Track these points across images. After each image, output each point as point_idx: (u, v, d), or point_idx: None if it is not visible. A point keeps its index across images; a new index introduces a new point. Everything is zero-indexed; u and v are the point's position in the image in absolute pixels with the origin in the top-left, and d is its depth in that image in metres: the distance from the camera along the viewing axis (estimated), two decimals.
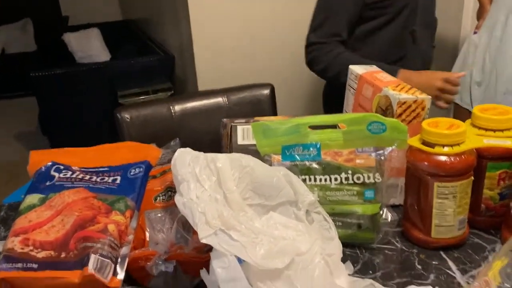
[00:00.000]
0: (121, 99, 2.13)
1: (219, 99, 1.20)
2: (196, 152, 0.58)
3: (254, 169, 0.60)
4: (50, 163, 0.71)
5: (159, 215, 0.61)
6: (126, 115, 1.11)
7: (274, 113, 1.25)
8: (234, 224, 0.52)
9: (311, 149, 0.64)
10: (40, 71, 2.16)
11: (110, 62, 2.73)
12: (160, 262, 0.55)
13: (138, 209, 0.65)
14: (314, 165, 0.64)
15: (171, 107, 1.15)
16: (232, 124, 0.69)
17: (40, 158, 0.73)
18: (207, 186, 0.56)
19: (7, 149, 2.66)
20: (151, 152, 0.75)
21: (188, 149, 0.60)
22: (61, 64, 2.63)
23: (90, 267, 0.55)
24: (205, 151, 0.59)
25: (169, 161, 0.71)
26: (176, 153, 0.59)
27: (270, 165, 0.65)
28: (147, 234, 0.60)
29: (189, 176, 0.55)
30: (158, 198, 0.63)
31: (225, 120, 0.90)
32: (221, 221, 0.51)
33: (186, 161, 0.57)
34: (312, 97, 1.94)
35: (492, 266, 0.39)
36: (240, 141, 0.68)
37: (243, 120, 0.71)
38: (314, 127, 0.65)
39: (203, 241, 0.49)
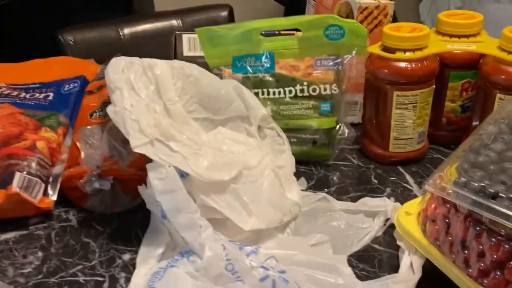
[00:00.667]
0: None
1: (173, 22, 1.11)
2: (131, 58, 0.52)
3: (200, 79, 0.55)
4: None
5: (94, 128, 0.55)
6: (70, 38, 1.01)
7: None
8: (174, 135, 0.47)
9: (264, 59, 0.59)
10: None
11: None
12: (94, 179, 0.50)
13: (73, 127, 0.58)
14: (268, 77, 0.59)
15: (119, 29, 1.06)
16: (177, 32, 0.62)
17: None
18: (143, 95, 0.50)
19: None
20: (88, 67, 0.68)
21: (123, 56, 0.53)
22: None
23: (15, 186, 0.49)
24: None
25: None
26: (110, 61, 0.53)
27: (221, 78, 0.60)
28: (82, 152, 0.55)
29: (122, 83, 0.49)
30: (94, 114, 0.57)
31: (175, 33, 0.82)
32: (158, 131, 0.46)
33: (119, 67, 0.50)
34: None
35: (446, 165, 0.36)
36: (186, 52, 0.62)
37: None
38: (267, 34, 0.59)
39: (136, 150, 0.44)
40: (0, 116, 0.56)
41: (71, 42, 1.01)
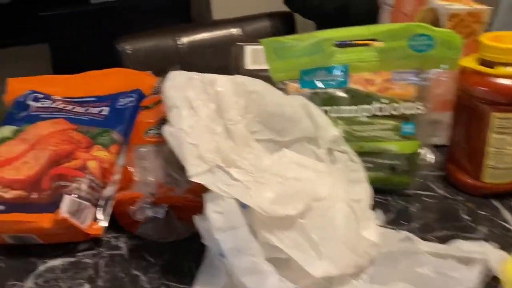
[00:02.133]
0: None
1: (232, 30, 1.07)
2: (190, 73, 0.47)
3: (264, 96, 0.49)
4: (28, 92, 0.61)
5: (149, 150, 0.51)
6: (127, 47, 0.99)
7: None
8: (235, 160, 0.42)
9: (337, 73, 0.53)
10: (50, 11, 2.05)
11: (123, 1, 2.59)
12: (147, 206, 0.45)
13: (127, 144, 0.55)
14: (340, 93, 0.53)
15: (177, 38, 1.03)
16: (239, 44, 0.57)
17: (19, 87, 0.63)
18: (203, 115, 0.45)
19: None
20: (145, 79, 0.64)
21: (181, 71, 0.49)
22: (72, 3, 2.51)
23: (63, 210, 0.46)
24: None
25: None
26: (167, 75, 0.48)
27: (286, 94, 0.54)
28: (135, 173, 0.51)
29: (180, 101, 0.44)
30: (150, 131, 0.53)
31: (239, 44, 0.78)
32: (219, 156, 0.41)
33: (177, 83, 0.46)
34: None
35: None
36: (249, 64, 0.56)
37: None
38: (341, 45, 0.52)
39: (194, 179, 0.39)
40: (54, 132, 0.54)
41: (129, 52, 1.00)
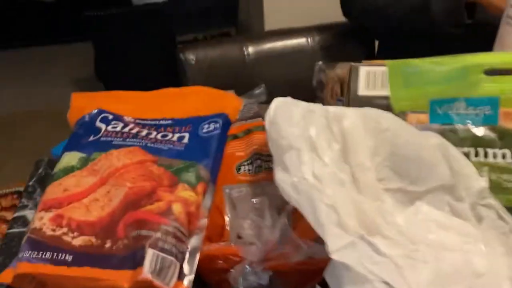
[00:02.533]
0: (180, 46, 1.96)
1: (302, 40, 0.97)
2: (310, 105, 0.37)
3: (398, 135, 0.39)
4: (96, 111, 0.53)
5: (244, 192, 0.42)
6: (191, 57, 0.91)
7: (371, 58, 1.01)
8: (379, 226, 0.31)
9: (482, 106, 0.42)
10: (95, 11, 2.02)
11: (168, 3, 2.55)
12: (250, 271, 0.36)
13: (214, 182, 0.46)
14: (486, 132, 0.42)
15: (244, 48, 0.94)
16: (353, 64, 0.47)
17: (85, 103, 0.55)
18: (327, 159, 0.35)
19: (62, 95, 2.59)
20: (230, 101, 0.55)
21: (290, 99, 0.39)
22: (116, 5, 2.50)
23: (146, 269, 0.37)
24: None
25: (255, 115, 0.51)
26: (273, 104, 0.39)
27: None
28: (227, 220, 0.41)
29: (300, 141, 0.34)
30: (242, 167, 0.44)
31: (320, 63, 0.68)
32: (359, 221, 0.31)
33: (294, 117, 0.36)
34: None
35: None
36: (363, 89, 0.46)
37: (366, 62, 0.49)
38: (492, 73, 0.41)
39: (335, 256, 0.29)
40: (129, 164, 0.45)
41: (193, 61, 0.91)
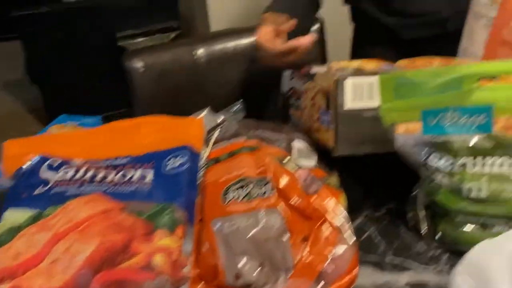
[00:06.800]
0: (120, 41, 1.83)
1: (253, 39, 0.91)
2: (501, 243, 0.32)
3: None
4: (37, 158, 0.46)
5: (236, 226, 0.37)
6: (138, 65, 0.83)
7: (323, 57, 0.96)
8: None
9: (477, 115, 0.39)
10: (23, 10, 1.86)
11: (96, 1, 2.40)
12: None
13: (192, 222, 0.40)
14: (481, 141, 0.39)
15: (193, 51, 0.88)
16: (339, 79, 0.42)
17: (21, 150, 0.48)
18: None
19: None
20: (189, 129, 0.49)
21: (493, 241, 0.34)
22: (45, 3, 2.32)
23: None
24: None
25: (236, 133, 0.45)
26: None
27: (392, 137, 0.40)
28: (221, 258, 0.36)
29: (502, 272, 0.30)
30: (231, 194, 0.39)
31: (287, 72, 0.63)
32: None
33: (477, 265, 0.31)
34: None
35: None
36: (350, 102, 0.42)
37: (348, 71, 0.44)
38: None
39: None
40: (92, 215, 0.38)
41: (141, 69, 0.83)
